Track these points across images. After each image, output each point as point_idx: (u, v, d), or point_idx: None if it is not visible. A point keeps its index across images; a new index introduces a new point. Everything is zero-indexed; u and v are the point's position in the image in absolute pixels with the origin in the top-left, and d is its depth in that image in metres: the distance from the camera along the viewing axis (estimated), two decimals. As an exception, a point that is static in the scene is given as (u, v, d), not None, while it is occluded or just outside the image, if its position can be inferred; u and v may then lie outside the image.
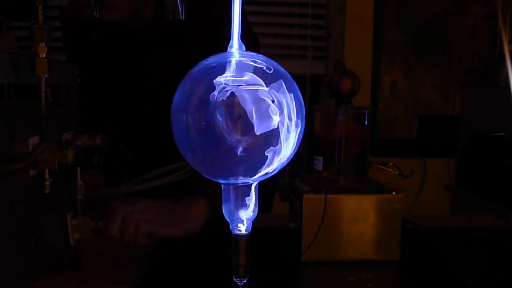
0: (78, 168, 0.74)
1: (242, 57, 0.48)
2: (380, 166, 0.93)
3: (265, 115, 0.45)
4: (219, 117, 0.45)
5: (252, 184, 0.50)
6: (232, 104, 0.45)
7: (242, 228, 0.51)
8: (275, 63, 0.49)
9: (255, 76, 0.46)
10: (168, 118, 0.49)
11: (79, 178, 0.74)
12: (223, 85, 0.45)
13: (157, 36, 1.11)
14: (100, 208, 0.87)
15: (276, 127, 0.46)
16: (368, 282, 0.80)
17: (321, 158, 0.91)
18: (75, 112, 0.79)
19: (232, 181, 0.49)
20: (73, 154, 0.66)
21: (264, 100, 0.45)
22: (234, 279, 0.53)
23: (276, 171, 0.50)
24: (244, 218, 0.51)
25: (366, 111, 0.91)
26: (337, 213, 0.85)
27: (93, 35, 1.14)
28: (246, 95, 0.45)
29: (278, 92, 0.47)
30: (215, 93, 0.45)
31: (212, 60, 0.49)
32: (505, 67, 2.13)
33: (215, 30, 0.98)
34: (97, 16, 0.72)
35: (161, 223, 0.85)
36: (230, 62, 0.47)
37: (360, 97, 0.93)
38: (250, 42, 1.09)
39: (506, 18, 2.16)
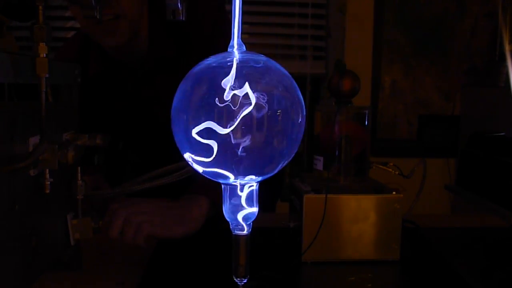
0: (78, 168, 0.74)
1: (242, 57, 0.48)
2: (380, 166, 0.93)
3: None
4: (219, 117, 0.45)
5: (252, 184, 0.50)
6: (232, 104, 0.45)
7: (242, 228, 0.51)
8: (275, 63, 0.49)
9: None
10: (169, 119, 0.49)
11: (79, 178, 0.74)
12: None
13: (153, 63, 1.11)
14: (100, 208, 0.87)
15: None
16: (368, 282, 0.80)
17: (321, 158, 0.91)
18: (75, 112, 0.79)
19: (232, 181, 0.49)
20: (73, 154, 0.66)
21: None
22: (234, 279, 0.53)
23: (276, 171, 0.50)
24: (244, 218, 0.51)
25: (366, 111, 0.91)
26: (337, 213, 0.85)
27: (88, 72, 1.14)
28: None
29: (279, 91, 0.47)
30: (215, 93, 0.45)
31: (212, 60, 0.49)
32: (505, 67, 2.13)
33: (210, 48, 0.99)
34: (97, 17, 0.72)
35: (162, 225, 0.85)
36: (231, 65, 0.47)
37: (360, 97, 0.93)
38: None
39: (506, 18, 2.16)
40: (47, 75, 0.60)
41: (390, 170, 0.93)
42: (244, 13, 0.50)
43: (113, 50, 1.11)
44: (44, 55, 0.60)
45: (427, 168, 0.95)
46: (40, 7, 0.60)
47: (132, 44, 1.09)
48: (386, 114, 2.34)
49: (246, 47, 0.50)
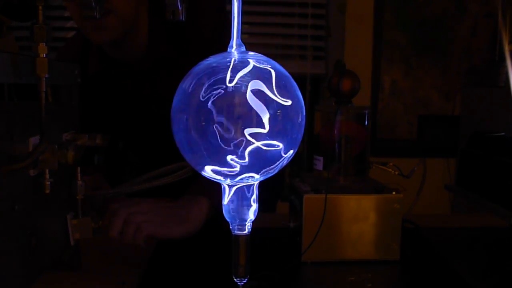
0: (78, 168, 0.74)
1: (242, 57, 0.48)
2: (380, 166, 0.93)
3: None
4: (219, 117, 0.45)
5: (252, 184, 0.50)
6: (232, 103, 0.45)
7: (242, 228, 0.51)
8: (274, 63, 0.49)
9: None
10: (168, 119, 0.49)
11: (79, 178, 0.74)
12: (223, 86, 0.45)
13: (153, 63, 1.11)
14: (100, 208, 0.87)
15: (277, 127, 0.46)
16: (368, 282, 0.80)
17: (321, 158, 0.91)
18: (75, 112, 0.79)
19: (232, 181, 0.49)
20: (73, 154, 0.66)
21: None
22: (234, 279, 0.53)
23: (276, 171, 0.50)
24: (244, 218, 0.51)
25: (366, 111, 0.91)
26: (337, 213, 0.85)
27: (88, 71, 1.14)
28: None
29: (279, 91, 0.47)
30: (215, 92, 0.45)
31: (212, 60, 0.49)
32: (505, 67, 2.13)
33: (209, 48, 0.98)
34: (97, 17, 0.72)
35: (162, 225, 0.85)
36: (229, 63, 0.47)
37: (360, 97, 0.93)
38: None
39: (506, 18, 2.16)
40: (47, 75, 0.60)
41: (390, 170, 0.93)
42: (244, 13, 0.50)
43: (109, 48, 1.11)
44: (44, 55, 0.60)
45: (427, 168, 0.95)
46: (40, 7, 0.61)
47: (131, 44, 1.09)
48: (386, 114, 2.34)
49: (246, 47, 0.50)
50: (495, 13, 2.28)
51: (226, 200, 0.51)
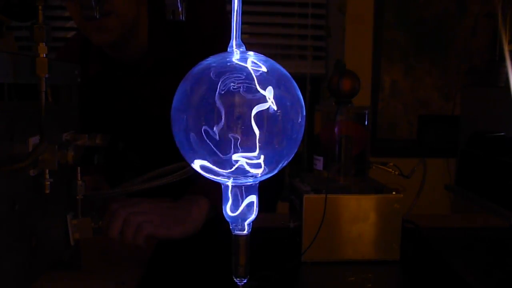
0: (78, 168, 0.74)
1: (241, 57, 0.48)
2: (380, 166, 0.93)
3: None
4: (219, 117, 0.45)
5: (252, 184, 0.50)
6: (232, 104, 0.45)
7: (242, 228, 0.51)
8: (274, 63, 0.49)
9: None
10: (168, 119, 0.49)
11: (79, 178, 0.74)
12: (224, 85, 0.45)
13: (153, 63, 1.11)
14: (100, 208, 0.87)
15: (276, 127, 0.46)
16: (368, 282, 0.80)
17: (321, 158, 0.91)
18: (75, 112, 0.79)
19: (232, 181, 0.49)
20: (73, 154, 0.66)
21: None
22: (234, 279, 0.53)
23: (276, 171, 0.50)
24: (244, 218, 0.51)
25: (366, 111, 0.91)
26: (337, 213, 0.85)
27: (89, 71, 1.14)
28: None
29: (279, 91, 0.47)
30: (216, 92, 0.45)
31: (212, 60, 0.49)
32: (505, 67, 2.13)
33: (210, 48, 0.99)
34: (98, 17, 0.72)
35: (162, 225, 0.85)
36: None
37: (360, 97, 0.93)
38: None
39: (506, 18, 2.16)
40: (47, 75, 0.60)
41: (390, 170, 0.93)
42: (244, 13, 0.50)
43: (109, 49, 1.11)
44: (44, 55, 0.60)
45: (427, 168, 0.95)
46: (40, 7, 0.60)
47: (131, 44, 1.09)
48: (386, 114, 2.34)
49: (246, 47, 0.50)
50: (495, 13, 2.28)
51: (225, 200, 0.51)
